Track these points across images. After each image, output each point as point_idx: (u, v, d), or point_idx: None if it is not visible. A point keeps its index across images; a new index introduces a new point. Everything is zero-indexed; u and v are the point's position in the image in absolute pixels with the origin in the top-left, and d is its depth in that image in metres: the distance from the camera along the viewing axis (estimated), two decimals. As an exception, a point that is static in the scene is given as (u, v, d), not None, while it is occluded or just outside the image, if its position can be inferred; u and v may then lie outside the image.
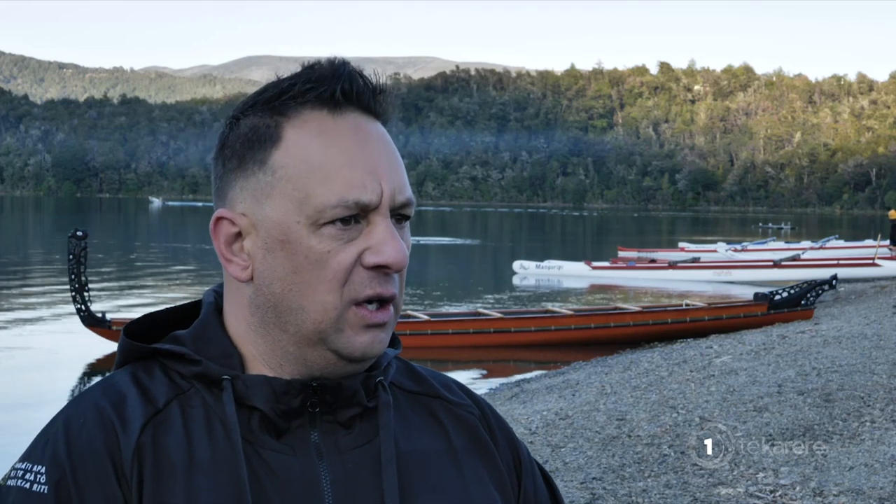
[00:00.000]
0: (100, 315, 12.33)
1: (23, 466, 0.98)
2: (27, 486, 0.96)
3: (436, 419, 1.10)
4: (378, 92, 1.04)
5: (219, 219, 1.03)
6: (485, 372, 12.08)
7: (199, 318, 1.06)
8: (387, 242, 0.99)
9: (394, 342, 1.11)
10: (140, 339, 1.07)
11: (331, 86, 1.01)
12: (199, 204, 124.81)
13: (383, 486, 1.00)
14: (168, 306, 1.11)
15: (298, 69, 1.04)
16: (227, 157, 1.04)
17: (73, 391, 10.58)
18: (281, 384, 1.01)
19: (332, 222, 0.99)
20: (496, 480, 1.09)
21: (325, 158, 1.00)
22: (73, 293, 12.14)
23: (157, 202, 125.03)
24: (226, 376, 1.01)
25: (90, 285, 12.49)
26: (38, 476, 0.96)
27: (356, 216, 0.99)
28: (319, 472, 1.00)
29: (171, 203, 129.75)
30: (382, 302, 1.01)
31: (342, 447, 1.02)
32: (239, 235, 1.03)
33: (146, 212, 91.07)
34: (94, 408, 0.99)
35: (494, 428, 1.14)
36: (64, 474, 0.95)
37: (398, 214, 1.02)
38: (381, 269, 1.00)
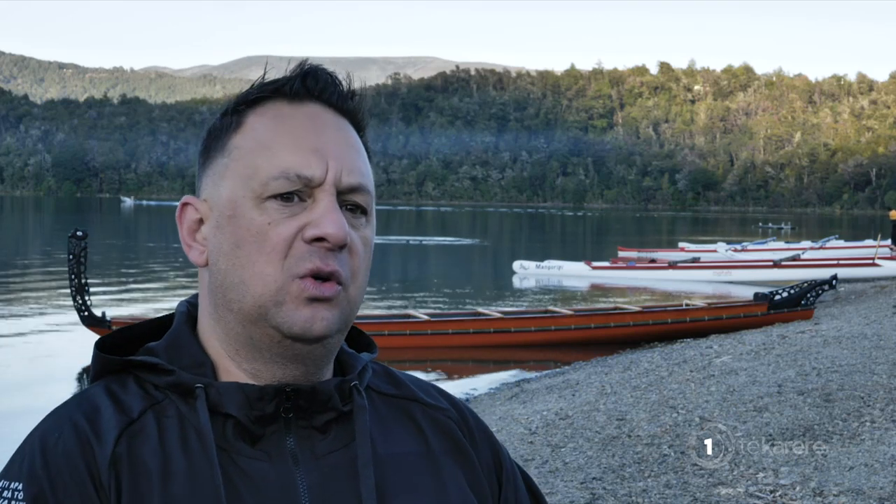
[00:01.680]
0: (100, 315, 12.33)
1: (0, 484, 0.98)
2: (5, 503, 0.96)
3: (413, 422, 1.10)
4: (349, 94, 1.06)
5: (184, 205, 1.07)
6: (485, 372, 12.07)
7: (171, 328, 1.07)
8: (326, 216, 0.99)
9: (370, 346, 1.11)
10: (114, 353, 1.07)
11: (292, 80, 1.04)
12: (176, 203, 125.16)
13: (361, 490, 1.00)
14: (142, 321, 1.12)
15: None
16: (201, 153, 1.08)
17: (73, 392, 10.59)
18: (254, 390, 1.00)
19: (275, 197, 1.00)
20: (473, 484, 1.09)
21: (275, 137, 1.02)
22: (74, 293, 12.14)
23: (128, 202, 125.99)
24: (199, 385, 1.01)
25: (90, 285, 12.49)
26: (16, 493, 0.96)
27: (300, 193, 1.00)
28: (296, 477, 1.00)
29: (146, 202, 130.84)
30: (324, 278, 1.00)
31: (318, 452, 1.02)
32: (201, 222, 1.05)
33: (120, 211, 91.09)
34: (68, 421, 0.99)
35: (474, 430, 1.13)
36: (41, 489, 0.95)
37: (351, 203, 1.03)
38: (321, 243, 0.99)
